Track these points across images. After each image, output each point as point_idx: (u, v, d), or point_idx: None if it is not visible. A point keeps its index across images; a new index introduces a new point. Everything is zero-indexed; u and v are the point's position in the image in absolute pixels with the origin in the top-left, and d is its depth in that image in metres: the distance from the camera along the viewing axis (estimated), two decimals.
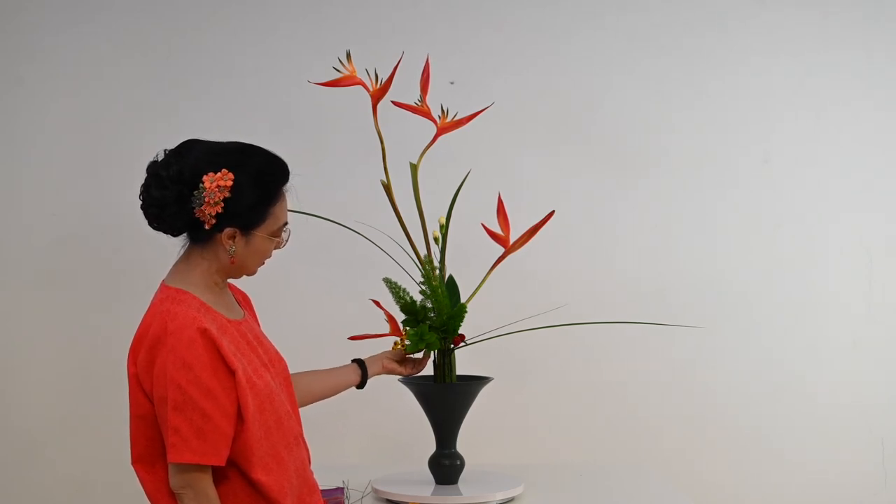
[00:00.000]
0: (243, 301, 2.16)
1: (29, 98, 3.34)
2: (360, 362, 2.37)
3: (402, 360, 2.42)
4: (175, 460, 1.84)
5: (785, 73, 3.38)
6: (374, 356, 2.40)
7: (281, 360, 2.10)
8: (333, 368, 2.36)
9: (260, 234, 1.97)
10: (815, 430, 3.36)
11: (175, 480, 1.87)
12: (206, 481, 1.87)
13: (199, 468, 1.86)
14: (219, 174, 1.90)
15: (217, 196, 1.89)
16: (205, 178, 1.90)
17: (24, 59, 3.33)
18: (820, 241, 3.38)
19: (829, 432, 3.36)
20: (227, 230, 1.93)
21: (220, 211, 1.90)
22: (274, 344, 2.14)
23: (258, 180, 1.95)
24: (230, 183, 1.90)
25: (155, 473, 1.93)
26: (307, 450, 2.10)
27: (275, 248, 2.03)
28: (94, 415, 3.31)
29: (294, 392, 2.11)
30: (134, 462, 1.94)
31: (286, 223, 2.03)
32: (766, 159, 3.38)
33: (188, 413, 1.84)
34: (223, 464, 1.87)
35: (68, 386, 3.32)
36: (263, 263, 2.04)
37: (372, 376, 2.38)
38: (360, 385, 2.37)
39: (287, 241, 2.05)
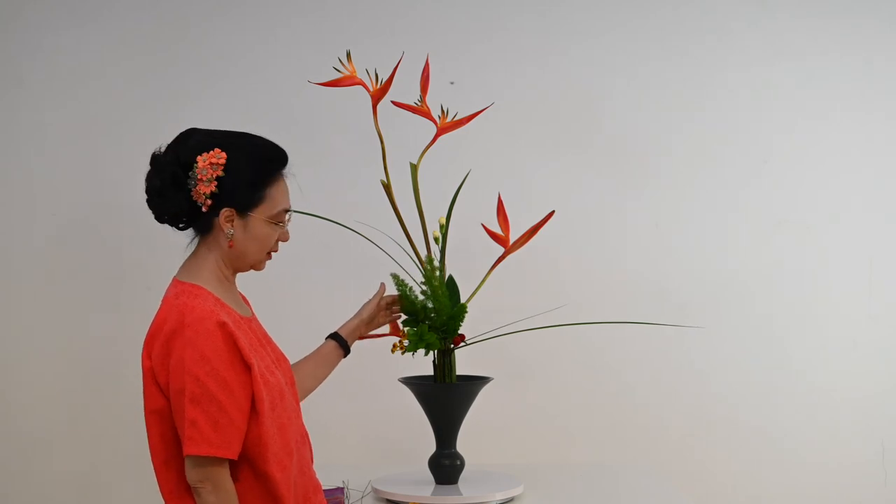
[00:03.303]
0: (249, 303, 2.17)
1: (29, 98, 3.34)
2: (337, 338, 2.34)
3: (373, 319, 2.40)
4: (192, 452, 1.84)
5: (786, 75, 3.38)
6: (348, 326, 2.37)
7: (286, 359, 2.11)
8: (316, 357, 2.32)
9: (257, 217, 1.97)
10: (815, 430, 3.36)
11: (192, 474, 1.87)
12: (224, 475, 1.87)
13: (217, 462, 1.86)
14: (211, 152, 1.92)
15: (209, 173, 1.91)
16: (198, 157, 1.92)
17: (24, 59, 3.33)
18: (821, 241, 3.38)
19: (829, 432, 3.36)
20: (224, 211, 1.94)
21: (214, 190, 1.92)
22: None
23: (252, 159, 1.97)
24: (222, 161, 1.93)
25: (168, 472, 1.93)
26: (311, 449, 2.10)
27: (280, 241, 2.03)
28: (95, 414, 3.31)
29: (296, 393, 2.12)
30: (152, 459, 1.94)
31: (287, 211, 2.03)
32: (765, 160, 3.38)
33: (205, 405, 1.84)
34: (235, 458, 1.88)
35: (68, 385, 3.32)
36: (270, 257, 2.04)
37: (354, 333, 2.37)
38: (346, 353, 2.36)
39: (287, 235, 2.05)
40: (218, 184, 1.92)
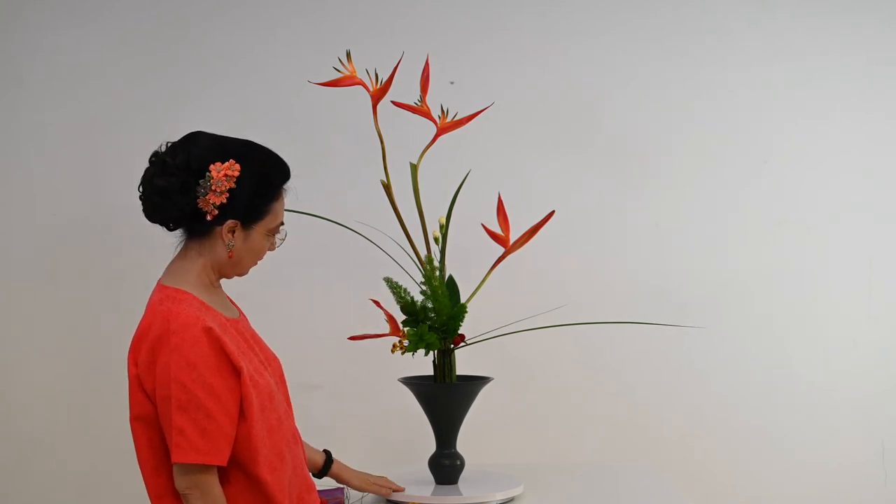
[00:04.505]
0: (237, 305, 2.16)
1: (29, 98, 3.33)
2: (328, 462, 2.35)
3: (360, 489, 2.39)
4: (180, 460, 1.84)
5: (786, 75, 3.38)
6: (342, 468, 2.37)
7: (275, 359, 2.11)
8: (306, 444, 2.31)
9: (259, 230, 1.98)
10: (815, 430, 3.37)
11: (181, 482, 1.87)
12: (213, 481, 1.87)
13: (205, 468, 1.86)
14: (226, 164, 1.91)
15: (224, 185, 1.90)
16: (212, 167, 1.91)
17: (24, 59, 3.33)
18: (821, 241, 3.38)
19: (829, 432, 3.36)
20: (229, 223, 1.94)
21: (224, 201, 1.91)
22: (273, 344, 2.14)
23: (263, 174, 1.97)
24: (237, 173, 1.92)
25: (158, 478, 1.93)
26: (303, 449, 2.11)
27: (268, 249, 2.04)
28: (95, 414, 3.31)
29: (288, 391, 2.12)
30: (140, 465, 1.94)
31: (282, 223, 2.03)
32: (765, 160, 3.38)
33: (192, 413, 1.83)
34: (225, 464, 1.87)
35: (68, 385, 3.32)
36: (256, 264, 2.05)
37: (336, 478, 2.36)
38: (318, 475, 2.34)
39: (281, 243, 2.06)
40: (228, 196, 1.92)
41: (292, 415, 2.09)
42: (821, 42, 3.38)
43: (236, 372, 1.89)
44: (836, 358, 3.37)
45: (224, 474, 1.91)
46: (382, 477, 2.42)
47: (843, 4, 3.38)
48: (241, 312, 2.12)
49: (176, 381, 1.83)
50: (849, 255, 3.38)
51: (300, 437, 2.11)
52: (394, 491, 2.39)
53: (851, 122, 3.38)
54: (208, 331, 1.87)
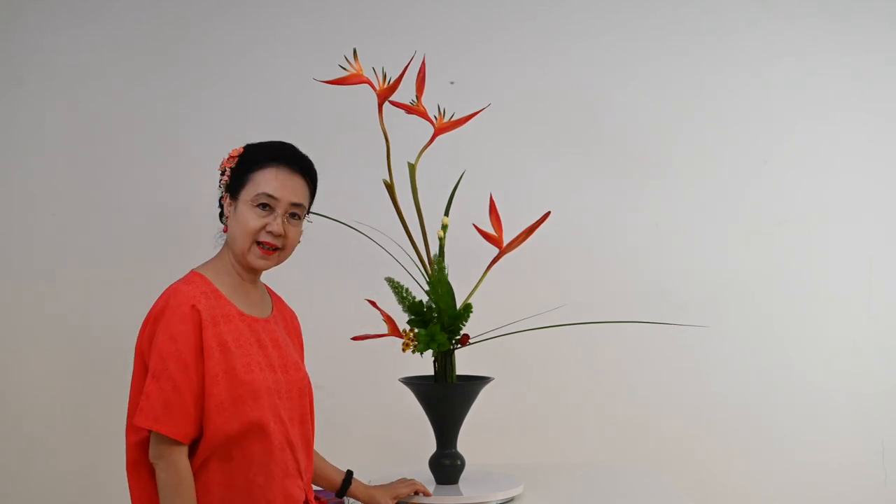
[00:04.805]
0: (289, 319, 2.19)
1: (29, 98, 3.33)
2: (347, 481, 2.34)
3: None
4: (138, 422, 1.92)
5: (786, 75, 3.38)
6: (361, 488, 2.35)
7: (298, 370, 2.11)
8: (325, 467, 2.33)
9: (243, 200, 2.05)
10: (815, 430, 3.37)
11: (151, 451, 1.95)
12: (177, 454, 1.93)
13: (171, 441, 1.92)
14: (233, 150, 2.08)
15: (225, 164, 2.06)
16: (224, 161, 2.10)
17: (25, 59, 3.33)
18: (821, 241, 3.38)
19: (829, 432, 3.37)
20: (225, 196, 2.07)
21: (227, 181, 2.05)
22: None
23: (252, 150, 2.08)
24: (237, 154, 2.06)
25: (140, 478, 1.99)
26: (296, 459, 2.08)
27: (269, 231, 2.03)
28: (95, 414, 3.31)
29: (307, 406, 2.12)
30: (128, 465, 2.02)
31: (269, 195, 2.03)
32: (765, 160, 3.38)
33: (162, 382, 1.91)
34: (185, 442, 1.93)
35: (68, 385, 3.32)
36: (262, 250, 2.04)
37: (353, 497, 2.35)
38: (338, 494, 2.35)
39: (280, 225, 2.04)
40: (230, 174, 2.05)
41: (288, 423, 2.07)
42: (821, 42, 3.38)
43: (215, 355, 1.95)
44: (836, 358, 3.37)
45: (203, 464, 1.96)
46: (408, 480, 2.39)
47: (843, 4, 3.38)
48: (278, 315, 2.15)
49: (157, 351, 1.92)
50: (849, 255, 3.38)
51: (294, 448, 2.09)
52: (421, 493, 2.37)
53: (851, 122, 3.39)
54: (195, 309, 1.93)
